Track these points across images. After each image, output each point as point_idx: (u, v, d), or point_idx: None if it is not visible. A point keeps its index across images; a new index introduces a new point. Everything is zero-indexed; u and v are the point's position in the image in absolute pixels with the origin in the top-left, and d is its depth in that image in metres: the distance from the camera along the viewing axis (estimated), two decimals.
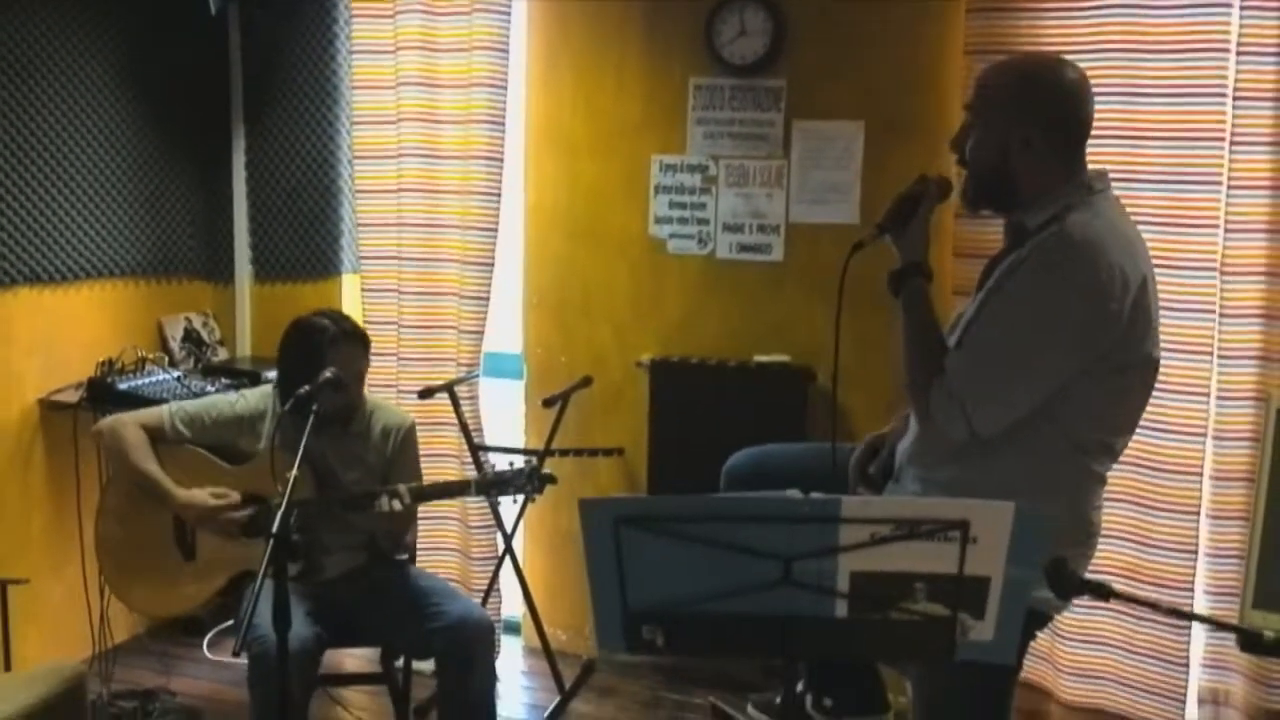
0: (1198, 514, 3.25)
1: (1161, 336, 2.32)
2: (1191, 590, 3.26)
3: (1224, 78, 3.11)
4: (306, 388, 2.70)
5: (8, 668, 3.09)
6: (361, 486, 3.09)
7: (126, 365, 3.79)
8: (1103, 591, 1.82)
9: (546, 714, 3.66)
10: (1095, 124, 3.21)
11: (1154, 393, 2.39)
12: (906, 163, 3.37)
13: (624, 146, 3.94)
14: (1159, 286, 3.06)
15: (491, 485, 3.14)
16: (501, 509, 3.82)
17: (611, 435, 3.97)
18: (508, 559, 3.83)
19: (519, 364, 4.19)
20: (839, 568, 1.72)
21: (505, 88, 3.86)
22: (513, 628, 4.22)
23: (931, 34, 3.57)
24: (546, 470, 3.23)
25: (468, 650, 2.93)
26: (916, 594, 1.72)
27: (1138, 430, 2.41)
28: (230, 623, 3.95)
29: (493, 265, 3.93)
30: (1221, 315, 3.19)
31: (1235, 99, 3.09)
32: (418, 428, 3.32)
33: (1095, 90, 3.20)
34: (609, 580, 1.76)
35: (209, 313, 4.37)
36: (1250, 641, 1.83)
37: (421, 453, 3.35)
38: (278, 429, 2.99)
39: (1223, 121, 3.12)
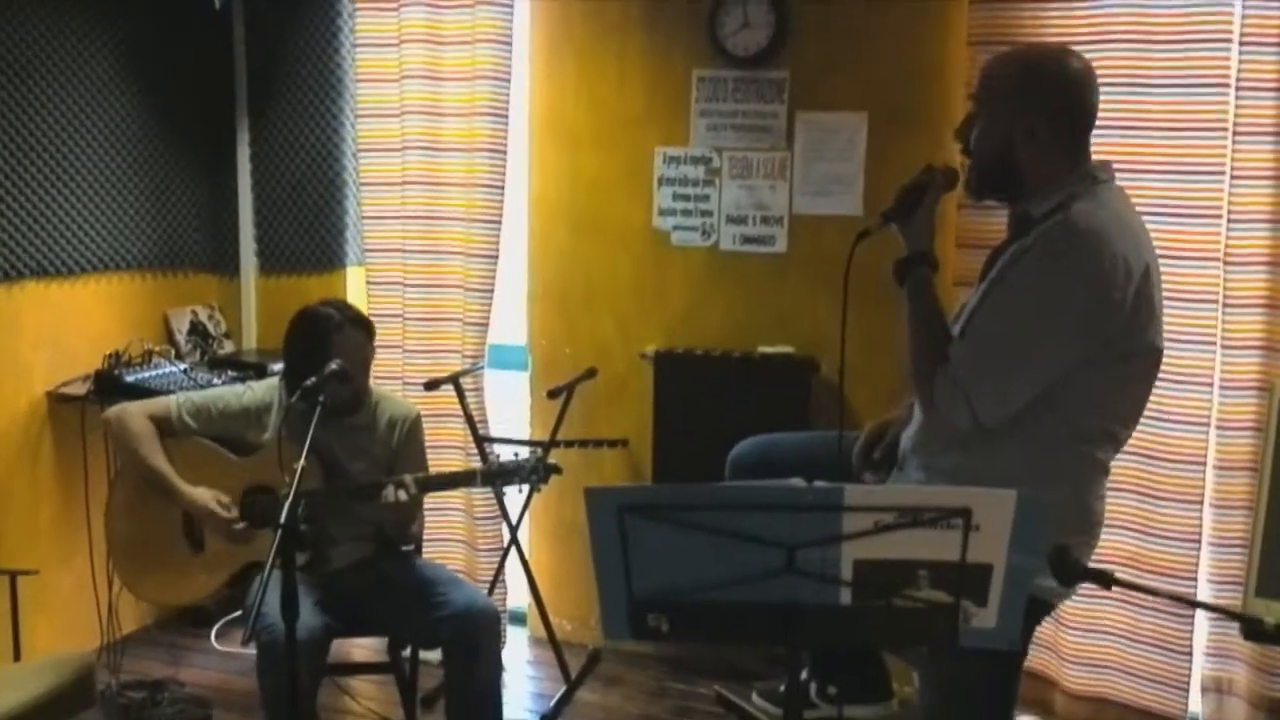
0: (1201, 503, 3.26)
1: (1165, 327, 2.32)
2: (1195, 579, 3.27)
3: (1227, 68, 3.11)
4: (313, 379, 2.71)
5: (17, 658, 3.11)
6: (368, 477, 3.10)
7: (133, 358, 3.82)
8: (1105, 579, 1.83)
9: (552, 704, 3.68)
10: (1099, 115, 3.24)
11: (1158, 382, 2.40)
12: (910, 154, 3.38)
13: (627, 139, 3.94)
14: (1163, 276, 3.09)
15: (497, 475, 3.16)
16: (507, 500, 3.84)
17: (616, 426, 3.99)
18: (513, 550, 3.85)
19: (523, 356, 4.21)
20: (842, 556, 1.73)
21: (508, 80, 3.87)
22: (518, 618, 4.24)
23: (934, 25, 3.57)
24: (551, 461, 3.24)
25: (473, 639, 2.95)
26: (919, 581, 1.73)
27: (1141, 419, 2.42)
28: (238, 613, 3.97)
29: (497, 257, 3.94)
30: (1225, 305, 3.19)
31: (1238, 89, 3.09)
32: (423, 419, 3.33)
33: (1099, 81, 3.23)
34: (614, 568, 1.77)
35: (215, 305, 4.39)
36: (1252, 629, 1.85)
37: (427, 444, 3.36)
38: (284, 420, 3.00)
39: (1225, 112, 3.12)
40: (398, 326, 4.05)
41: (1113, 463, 2.38)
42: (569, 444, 3.84)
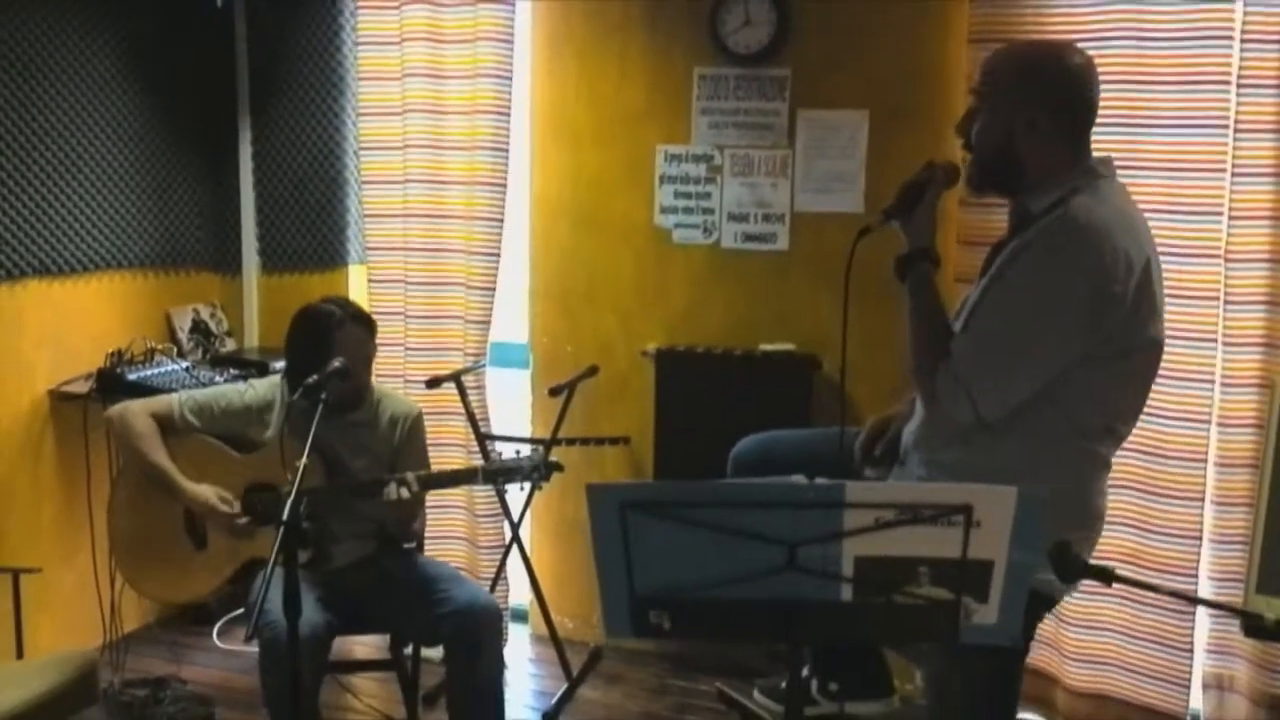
0: (1202, 500, 3.26)
1: (1166, 324, 2.33)
2: (1196, 576, 3.27)
3: (1228, 65, 3.11)
4: (315, 377, 2.72)
5: (20, 656, 3.11)
6: (369, 474, 3.11)
7: (136, 356, 3.82)
8: (1106, 576, 1.84)
9: (554, 701, 3.68)
10: (1100, 112, 3.23)
11: (1159, 379, 2.40)
12: (911, 151, 3.38)
13: (629, 136, 3.95)
14: (1165, 273, 3.09)
15: (499, 473, 3.16)
16: (508, 498, 3.84)
17: (617, 424, 3.99)
18: (515, 547, 3.85)
19: (525, 353, 4.21)
20: (843, 552, 1.73)
21: (510, 78, 3.87)
22: (520, 616, 4.25)
23: (936, 23, 3.57)
24: (553, 458, 3.25)
25: (475, 636, 2.96)
26: (920, 578, 1.74)
27: (1142, 417, 2.42)
28: (240, 611, 3.98)
29: (499, 255, 3.94)
30: (1226, 302, 3.19)
31: (1239, 87, 3.09)
32: (425, 417, 3.34)
33: (1100, 78, 3.23)
34: (616, 565, 1.77)
35: (217, 304, 4.39)
36: (1253, 625, 1.85)
37: (429, 442, 3.36)
38: (286, 418, 3.01)
39: (1227, 109, 3.12)
40: (399, 324, 4.06)
41: (1114, 460, 2.39)
42: (570, 442, 3.85)
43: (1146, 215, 3.12)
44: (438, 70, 3.93)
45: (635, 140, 3.94)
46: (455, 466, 3.77)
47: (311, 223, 4.30)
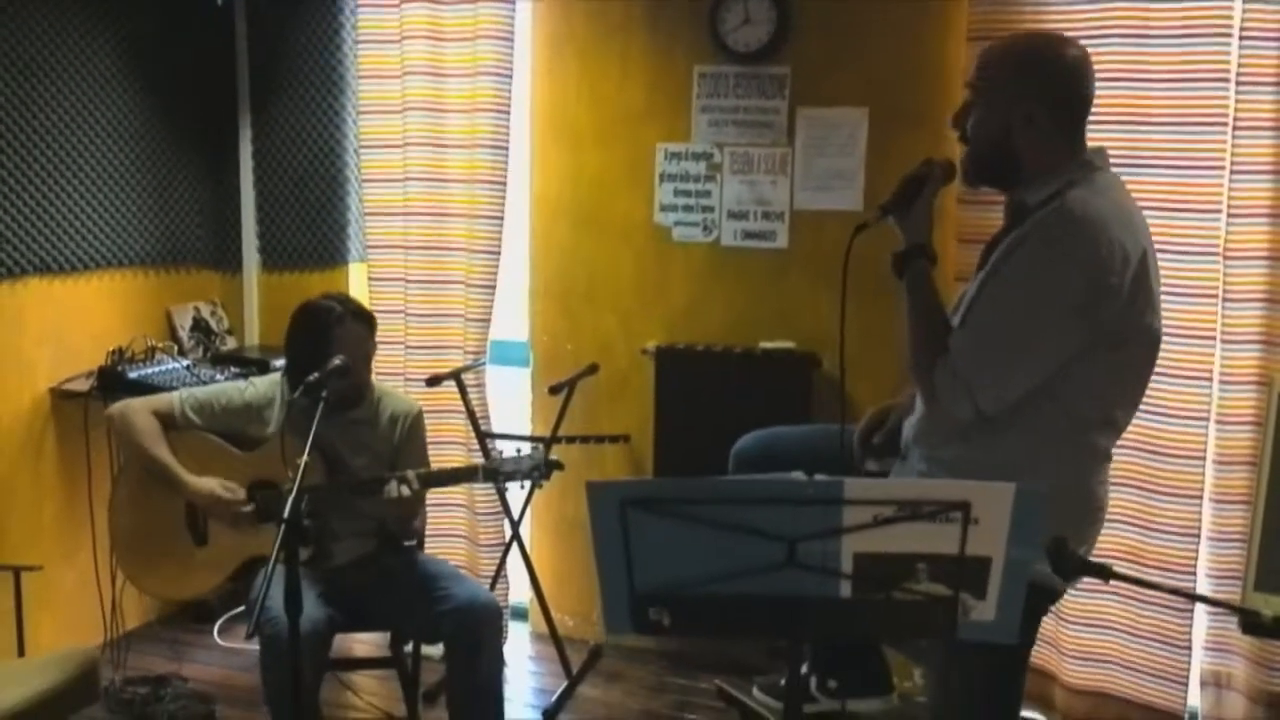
0: (1200, 498, 3.27)
1: (1165, 321, 2.33)
2: (1194, 574, 3.28)
3: (1227, 62, 3.11)
4: (316, 375, 2.72)
5: (21, 653, 3.12)
6: (370, 472, 3.12)
7: (136, 354, 3.83)
8: (1104, 573, 1.84)
9: (554, 699, 3.69)
10: (1099, 109, 3.23)
11: (1158, 377, 2.40)
12: (911, 149, 3.38)
13: (629, 134, 3.95)
14: (1163, 270, 3.08)
15: (499, 471, 3.16)
16: (509, 496, 3.85)
17: (617, 422, 4.00)
18: (515, 545, 3.86)
19: (525, 351, 4.22)
20: (843, 549, 1.73)
21: (510, 76, 3.88)
22: (520, 614, 4.26)
23: (935, 21, 3.58)
24: (553, 457, 3.25)
25: (475, 634, 2.96)
26: (919, 574, 1.74)
27: (1141, 415, 2.43)
28: (241, 609, 3.99)
29: (499, 253, 3.95)
30: (1224, 300, 3.20)
31: (1238, 85, 3.10)
32: (425, 415, 3.34)
33: (1098, 76, 3.20)
34: (616, 562, 1.77)
35: (217, 302, 4.40)
36: (1250, 622, 1.86)
37: (429, 440, 3.37)
38: (287, 415, 3.01)
39: (1225, 107, 3.13)
40: (400, 322, 4.06)
41: (1112, 457, 2.39)
42: (570, 440, 3.85)
43: (1145, 213, 3.12)
44: (438, 68, 3.93)
45: (635, 138, 3.94)
46: (455, 464, 3.77)
47: (312, 221, 4.30)
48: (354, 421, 3.17)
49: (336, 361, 2.82)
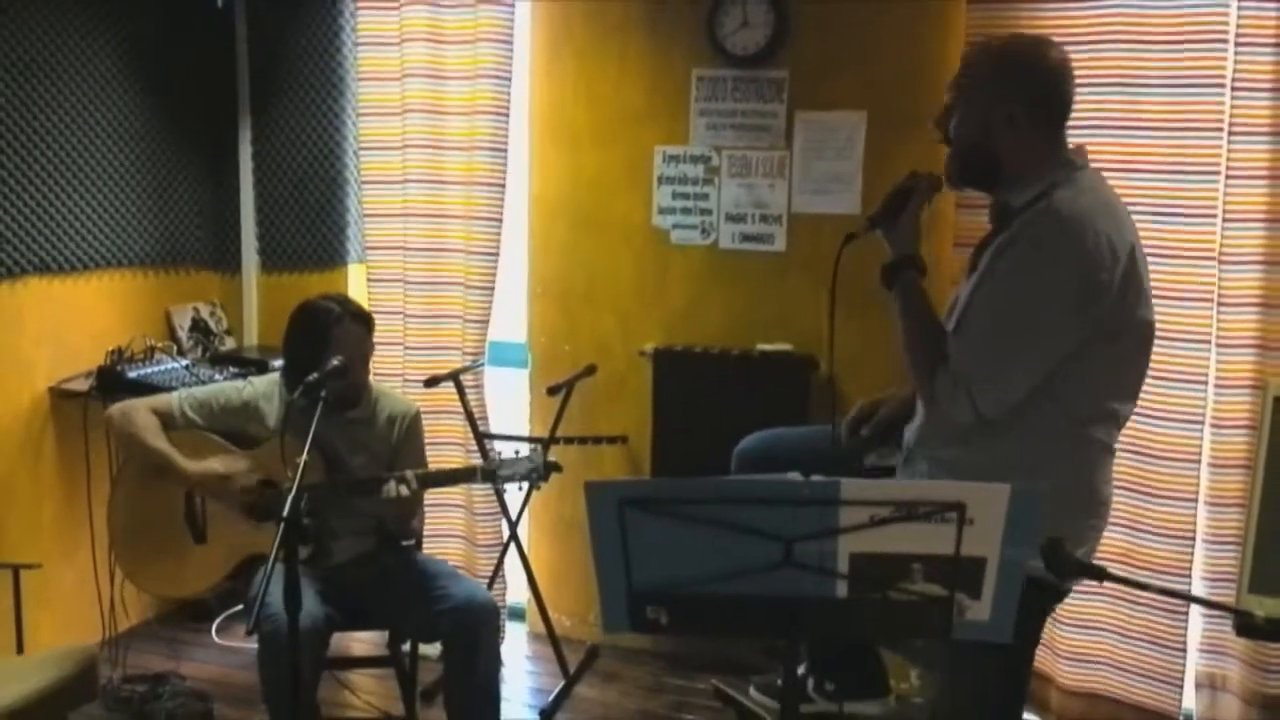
0: (1195, 501, 3.28)
1: (1160, 326, 2.35)
2: (1189, 576, 3.29)
3: (1222, 68, 3.13)
4: (315, 375, 2.73)
5: (20, 651, 3.13)
6: (368, 471, 3.13)
7: (136, 354, 3.84)
8: (1098, 573, 1.86)
9: (551, 699, 3.70)
10: (1095, 113, 3.26)
11: (1153, 381, 2.41)
12: (909, 153, 3.41)
13: (627, 137, 3.97)
14: (1159, 274, 3.11)
15: (498, 471, 3.17)
16: (506, 496, 3.86)
17: (615, 423, 4.01)
18: (513, 546, 3.87)
19: (524, 353, 4.23)
20: (839, 549, 1.75)
21: (509, 79, 3.89)
22: (517, 614, 4.27)
23: (933, 25, 3.59)
24: (551, 458, 3.26)
25: (473, 633, 2.97)
26: (914, 575, 1.75)
27: (1136, 418, 2.45)
28: (239, 608, 4.00)
29: (497, 255, 3.96)
30: (1219, 304, 3.21)
31: (1234, 89, 3.11)
32: (423, 416, 3.35)
33: (1095, 81, 3.26)
34: (614, 561, 1.79)
35: (216, 302, 4.41)
36: (1244, 623, 1.87)
37: (427, 441, 3.38)
38: (286, 415, 3.02)
39: (1221, 112, 3.14)
40: (398, 323, 4.07)
41: (1115, 452, 2.40)
42: (569, 440, 3.86)
43: (1141, 217, 3.16)
44: (437, 71, 3.94)
45: (634, 141, 3.96)
46: (454, 465, 3.78)
47: (311, 222, 4.32)
48: (352, 421, 3.18)
49: (335, 362, 2.84)
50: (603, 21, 3.95)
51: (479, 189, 3.93)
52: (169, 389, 3.39)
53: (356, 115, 4.13)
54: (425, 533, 3.54)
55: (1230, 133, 3.13)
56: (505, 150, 3.92)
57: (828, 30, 3.71)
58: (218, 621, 4.15)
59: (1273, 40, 3.07)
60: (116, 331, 3.92)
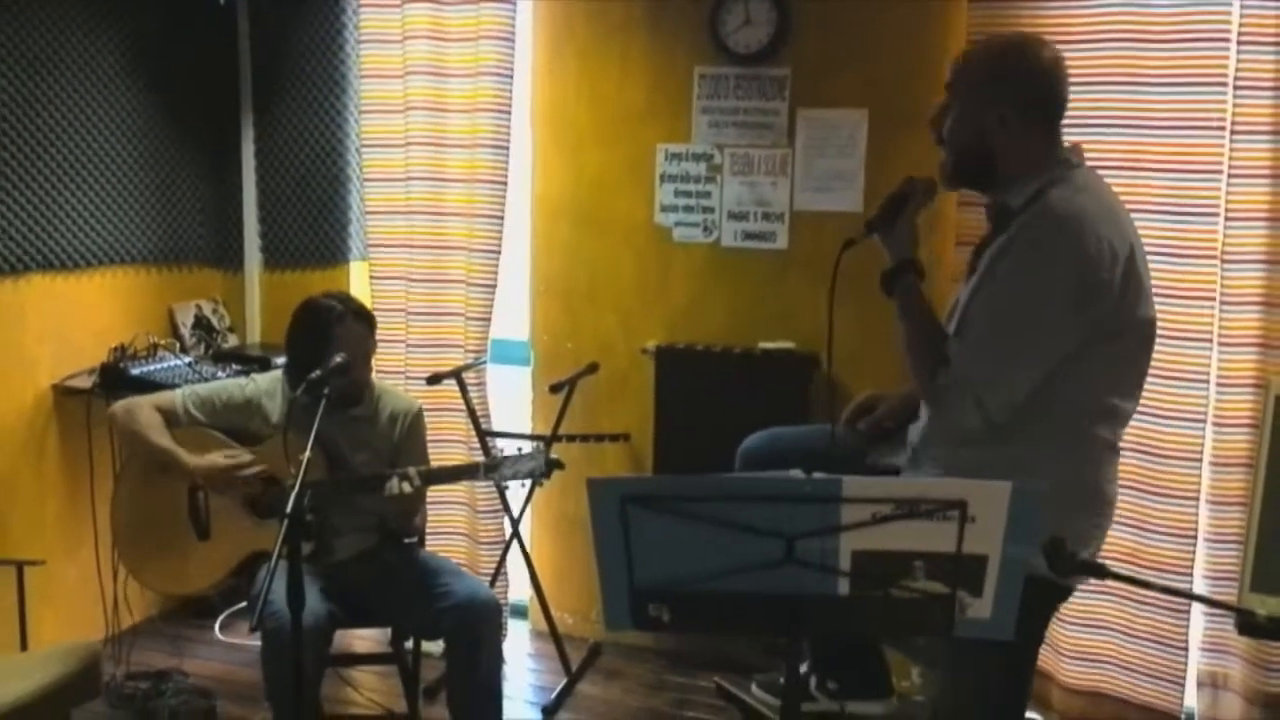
0: (1197, 499, 3.29)
1: (1163, 325, 2.36)
2: (1191, 575, 3.30)
3: (1225, 67, 3.13)
4: (318, 372, 2.74)
5: (24, 647, 3.13)
6: (370, 469, 3.13)
7: (139, 351, 3.84)
8: (1099, 571, 1.86)
9: (553, 696, 3.71)
10: (1097, 113, 3.26)
11: (1155, 379, 2.40)
12: (910, 151, 3.41)
13: (629, 135, 3.97)
14: (1161, 273, 3.11)
15: (500, 468, 3.18)
16: (509, 494, 3.86)
17: (618, 421, 4.01)
18: (515, 543, 3.88)
19: (526, 350, 4.23)
20: (841, 546, 1.75)
21: (511, 77, 3.89)
22: (520, 611, 4.27)
23: (935, 23, 3.59)
24: (554, 456, 3.27)
25: (475, 630, 2.98)
26: (916, 572, 1.76)
27: (1138, 417, 2.45)
28: (242, 605, 4.01)
29: (499, 252, 3.96)
30: (1222, 303, 3.21)
31: (1236, 88, 3.11)
32: (426, 413, 3.36)
33: (1097, 79, 3.25)
34: (616, 559, 1.79)
35: (219, 300, 4.42)
36: (1246, 622, 1.87)
37: (429, 438, 3.39)
38: (289, 412, 3.03)
39: (1224, 110, 3.14)
40: (400, 321, 4.08)
41: (1119, 451, 2.41)
42: (571, 438, 3.87)
43: (1143, 216, 3.16)
44: (440, 68, 3.95)
45: (636, 139, 3.96)
46: (456, 463, 3.79)
47: (313, 219, 4.32)
48: (354, 419, 3.18)
49: (338, 359, 2.84)
50: (605, 19, 3.95)
51: (481, 187, 3.93)
52: (172, 386, 3.40)
53: (359, 112, 4.13)
54: (428, 530, 3.55)
55: (1233, 131, 3.13)
56: (507, 148, 3.92)
57: (830, 28, 3.71)
58: (221, 618, 4.16)
59: (1275, 38, 3.07)
60: (119, 328, 3.93)
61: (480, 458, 3.72)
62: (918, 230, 2.43)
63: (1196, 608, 3.33)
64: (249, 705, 3.53)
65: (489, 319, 4.01)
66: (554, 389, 3.80)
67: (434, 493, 3.60)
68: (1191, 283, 3.21)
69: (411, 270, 4.07)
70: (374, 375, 3.28)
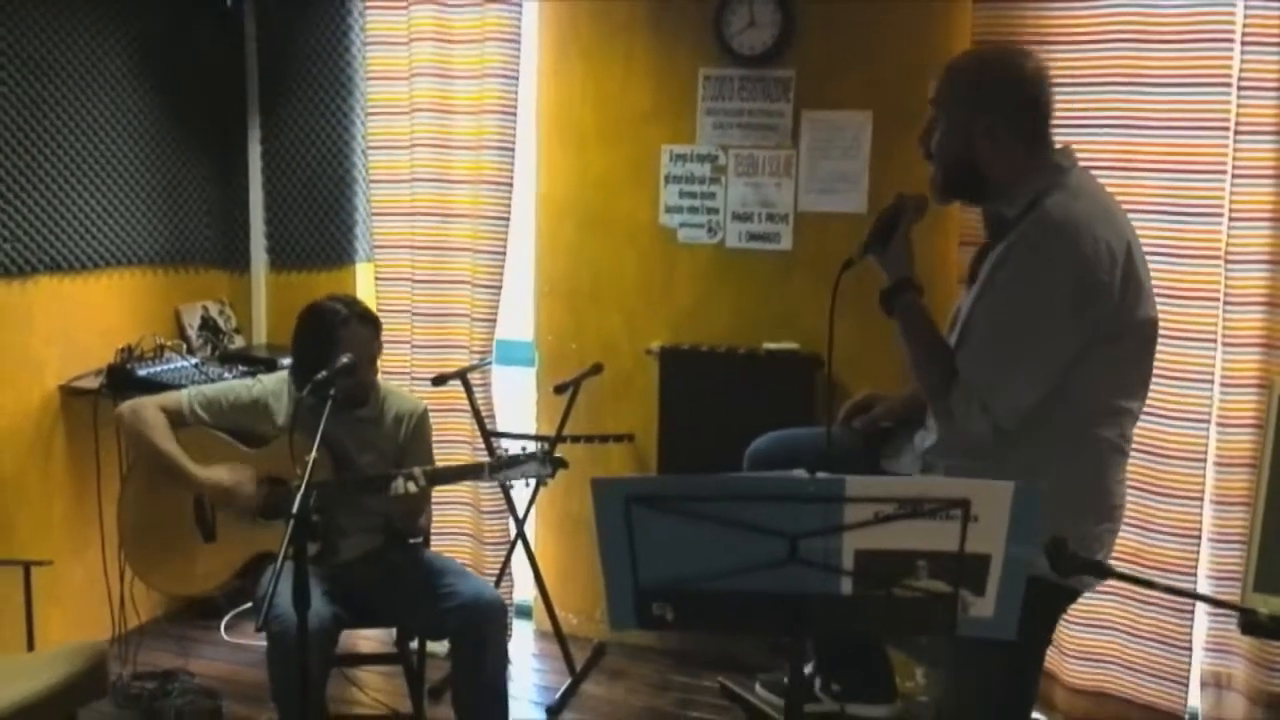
0: (1201, 499, 3.29)
1: (1167, 325, 2.36)
2: (1195, 575, 3.30)
3: (1229, 67, 3.13)
4: (324, 373, 2.75)
5: (31, 647, 3.14)
6: (375, 470, 3.14)
7: (145, 352, 3.85)
8: (1101, 570, 1.87)
9: (558, 696, 3.71)
10: (1101, 113, 3.26)
11: (1159, 380, 2.40)
12: (914, 152, 3.39)
13: (634, 136, 3.98)
14: (1165, 273, 3.11)
15: (505, 468, 3.18)
16: (513, 494, 3.87)
17: (622, 421, 4.02)
18: (519, 544, 3.88)
19: (531, 351, 4.24)
20: (844, 546, 1.76)
21: (517, 78, 3.90)
22: (524, 611, 4.27)
23: (939, 24, 3.59)
24: (558, 454, 3.27)
25: (480, 631, 2.98)
26: (919, 571, 1.76)
27: (1143, 417, 2.45)
28: (247, 605, 4.01)
29: (504, 254, 3.97)
30: (1225, 303, 3.21)
31: (1240, 88, 3.12)
32: (431, 414, 3.37)
33: (1100, 80, 3.26)
34: (620, 558, 1.80)
35: (225, 301, 4.43)
36: (1248, 621, 1.88)
37: (435, 439, 3.40)
38: (295, 413, 3.04)
39: (1227, 110, 3.14)
40: (406, 322, 4.09)
41: (1128, 452, 2.42)
42: (575, 439, 3.87)
43: (1146, 216, 3.16)
44: (445, 70, 3.96)
45: (640, 140, 3.97)
46: (461, 463, 3.79)
47: (319, 221, 4.33)
48: (360, 420, 3.19)
49: (344, 359, 2.85)
50: (609, 21, 3.96)
51: (486, 188, 3.94)
52: (178, 387, 3.41)
53: (364, 114, 4.15)
54: (433, 530, 3.55)
55: (1236, 131, 3.13)
56: (512, 149, 3.93)
57: (834, 30, 3.71)
58: (226, 619, 4.17)
59: (1278, 39, 3.07)
60: (126, 330, 3.94)
61: (485, 458, 3.73)
62: (912, 247, 2.43)
63: (1200, 608, 3.33)
64: (254, 705, 3.54)
65: (494, 320, 4.02)
66: (558, 390, 3.81)
67: (439, 493, 3.61)
68: (1195, 283, 3.21)
69: (416, 271, 4.08)
70: (379, 376, 3.29)
